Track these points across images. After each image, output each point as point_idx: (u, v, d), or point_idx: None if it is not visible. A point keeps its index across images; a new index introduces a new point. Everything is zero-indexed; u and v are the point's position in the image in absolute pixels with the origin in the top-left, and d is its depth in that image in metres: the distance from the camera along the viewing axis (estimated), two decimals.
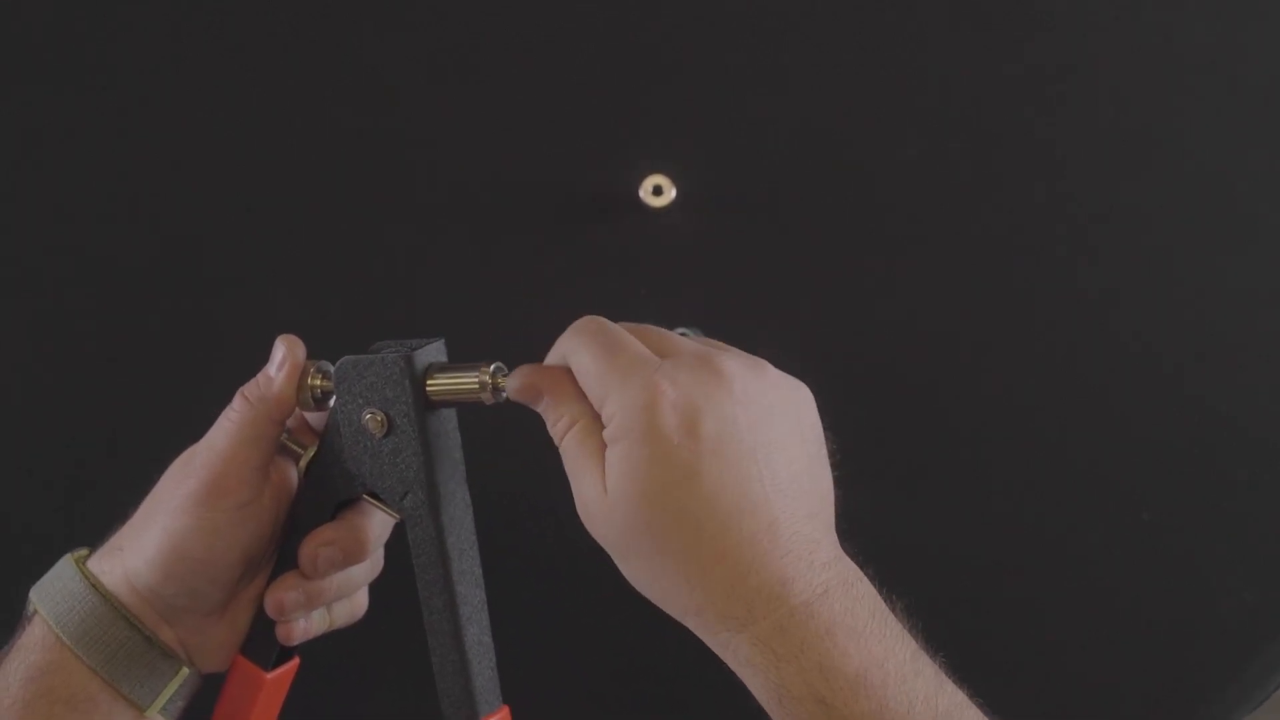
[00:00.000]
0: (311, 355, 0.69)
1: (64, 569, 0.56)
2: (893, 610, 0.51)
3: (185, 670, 0.55)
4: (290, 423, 0.57)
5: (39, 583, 0.56)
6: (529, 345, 0.68)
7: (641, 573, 0.51)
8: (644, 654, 0.67)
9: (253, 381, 0.56)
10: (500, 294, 0.70)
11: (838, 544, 0.52)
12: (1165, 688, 0.67)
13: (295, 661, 0.58)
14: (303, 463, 0.57)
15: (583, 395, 0.52)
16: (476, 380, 0.52)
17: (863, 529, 0.68)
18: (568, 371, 0.53)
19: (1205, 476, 0.68)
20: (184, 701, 0.56)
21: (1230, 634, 0.67)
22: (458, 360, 0.55)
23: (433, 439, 0.54)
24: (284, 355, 0.56)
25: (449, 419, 0.55)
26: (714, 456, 0.48)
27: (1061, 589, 0.67)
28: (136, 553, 0.55)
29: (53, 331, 0.71)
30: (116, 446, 0.70)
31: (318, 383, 0.55)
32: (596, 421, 0.51)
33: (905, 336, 0.69)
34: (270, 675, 0.57)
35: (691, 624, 0.50)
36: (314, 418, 0.58)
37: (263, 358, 0.69)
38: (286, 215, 0.71)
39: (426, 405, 0.53)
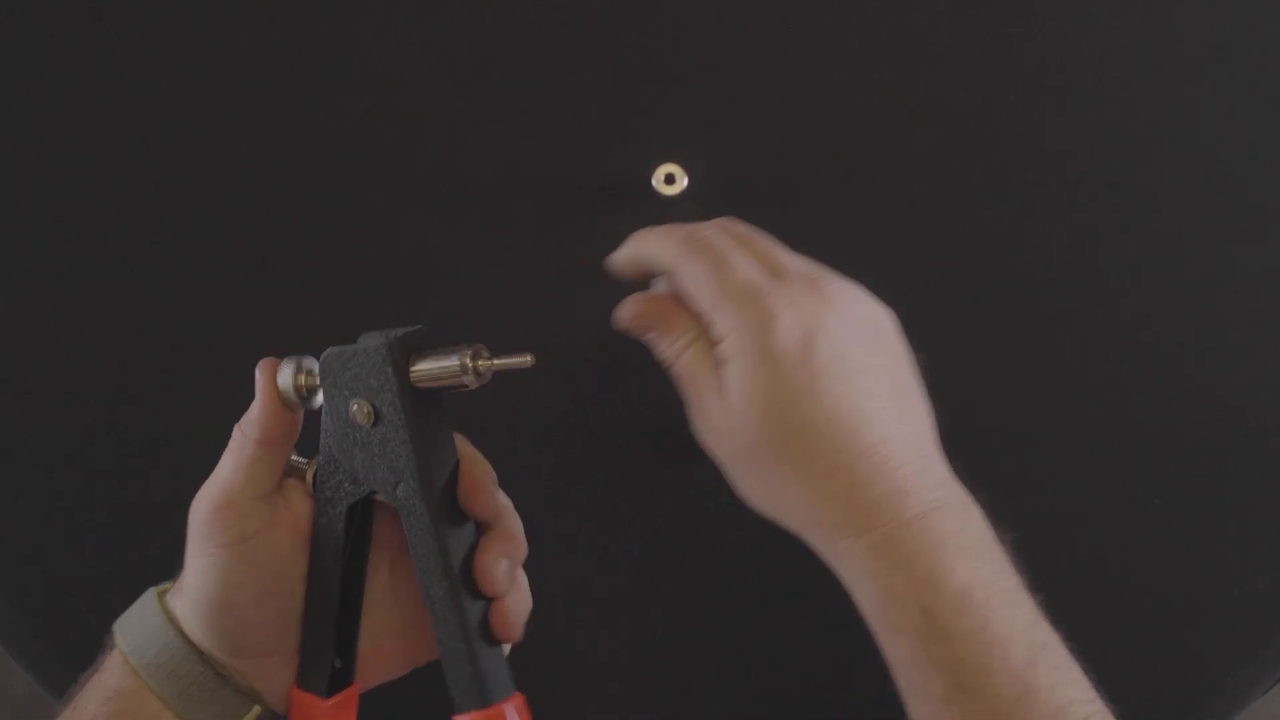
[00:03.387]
0: (316, 349, 0.69)
1: (146, 602, 0.56)
2: (1001, 544, 0.52)
3: (257, 709, 0.55)
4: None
5: (122, 617, 0.56)
6: (542, 333, 0.69)
7: (760, 486, 0.53)
8: (663, 643, 0.67)
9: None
10: (513, 283, 0.70)
11: (947, 466, 0.54)
12: (1177, 673, 0.67)
13: (354, 687, 0.57)
14: (309, 475, 0.56)
15: (690, 316, 0.54)
16: (458, 363, 0.52)
17: None
18: (672, 297, 0.55)
19: (1216, 463, 0.68)
20: None
21: (1241, 620, 0.67)
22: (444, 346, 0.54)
23: (420, 426, 0.53)
24: (259, 378, 0.55)
25: (437, 405, 0.54)
26: (830, 374, 0.51)
27: (1072, 574, 0.67)
28: (182, 594, 0.55)
29: (57, 330, 0.70)
30: (123, 445, 0.69)
31: (301, 380, 0.54)
32: (707, 339, 0.53)
33: (914, 326, 0.69)
34: (328, 703, 0.55)
35: (810, 534, 0.52)
36: None
37: (272, 352, 0.69)
38: (296, 207, 0.71)
39: (412, 392, 0.53)
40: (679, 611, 0.67)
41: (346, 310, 0.70)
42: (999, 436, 0.68)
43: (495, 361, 0.52)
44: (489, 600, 0.54)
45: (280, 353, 0.68)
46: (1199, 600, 0.67)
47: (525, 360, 0.52)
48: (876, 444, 0.51)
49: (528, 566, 0.65)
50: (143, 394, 0.69)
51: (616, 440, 0.68)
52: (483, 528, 0.55)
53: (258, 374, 0.55)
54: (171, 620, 0.54)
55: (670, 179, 0.68)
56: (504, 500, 0.56)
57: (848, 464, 0.51)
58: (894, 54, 0.71)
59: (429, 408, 0.54)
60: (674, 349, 0.55)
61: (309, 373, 0.55)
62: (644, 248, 0.57)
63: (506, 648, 0.55)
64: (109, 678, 0.54)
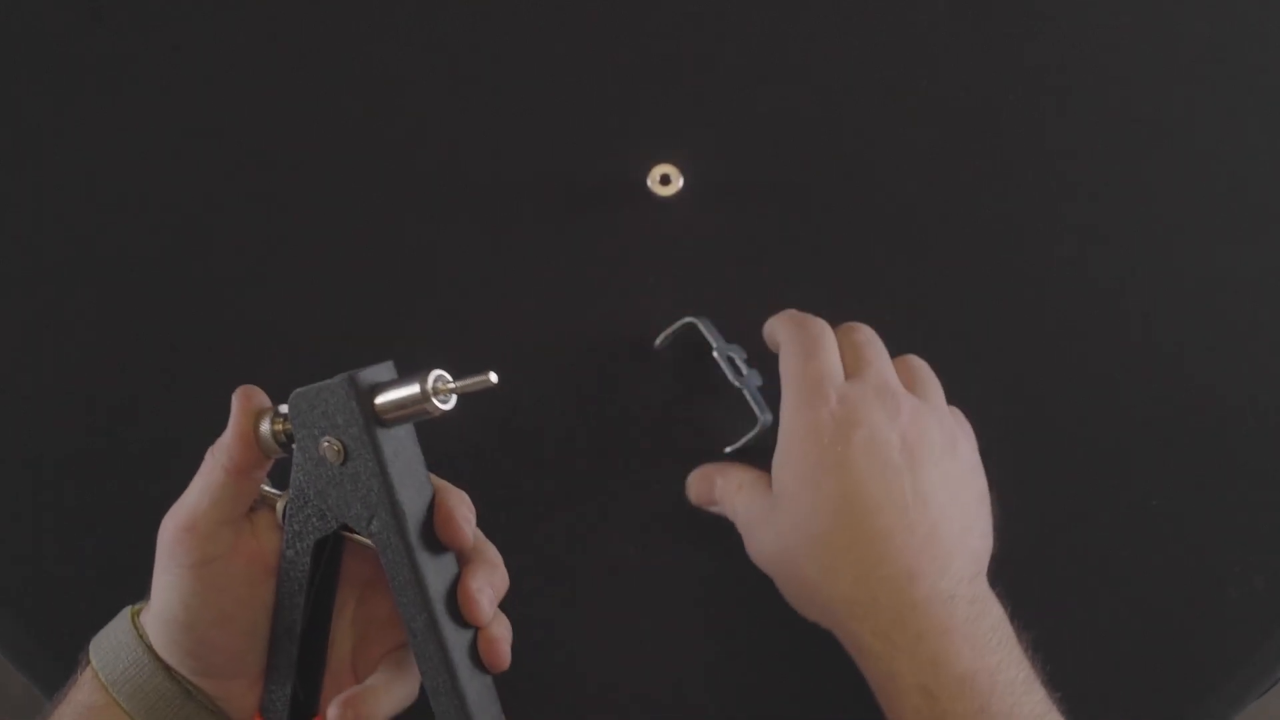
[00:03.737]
0: (317, 349, 0.69)
1: (119, 619, 0.57)
2: (1020, 642, 0.55)
3: None
4: None
5: (97, 635, 0.57)
6: (537, 335, 0.69)
7: (796, 578, 0.58)
8: (660, 650, 0.67)
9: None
10: (509, 284, 0.70)
11: (983, 576, 0.57)
12: (1174, 673, 0.67)
13: (318, 718, 0.57)
14: (279, 508, 0.56)
15: (744, 466, 0.62)
16: (419, 389, 0.51)
17: None
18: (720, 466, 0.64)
19: (1213, 464, 0.68)
20: None
21: (1239, 620, 0.67)
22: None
23: (390, 458, 0.53)
24: (234, 405, 0.55)
25: (406, 437, 0.54)
26: (863, 457, 0.55)
27: (1070, 575, 0.67)
28: (150, 612, 0.55)
29: (55, 331, 0.70)
30: (121, 447, 0.69)
31: (279, 427, 0.54)
32: (762, 482, 0.60)
33: (913, 326, 0.69)
34: None
35: (830, 621, 0.56)
36: None
37: (270, 357, 0.69)
38: (295, 207, 0.71)
39: (378, 424, 0.52)
40: (677, 616, 0.67)
41: (346, 310, 0.70)
42: (996, 436, 0.68)
43: (456, 384, 0.52)
44: (473, 631, 0.54)
45: (279, 355, 0.69)
46: (1196, 601, 0.67)
47: (487, 380, 0.51)
48: (894, 527, 0.54)
49: (532, 568, 0.65)
50: (141, 396, 0.70)
51: (616, 440, 0.68)
52: (462, 559, 0.55)
53: (233, 401, 0.55)
54: (141, 637, 0.55)
55: (665, 180, 0.68)
56: (480, 534, 0.57)
57: (862, 540, 0.54)
58: (892, 54, 0.71)
59: (398, 441, 0.53)
60: (733, 486, 0.61)
61: (286, 418, 0.54)
62: (774, 327, 0.63)
63: (488, 678, 0.55)
64: (80, 694, 0.55)
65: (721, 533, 0.65)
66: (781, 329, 0.62)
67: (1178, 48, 0.71)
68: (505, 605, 0.56)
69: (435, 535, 0.54)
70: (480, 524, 0.56)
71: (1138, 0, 0.72)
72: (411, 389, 0.51)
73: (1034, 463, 0.68)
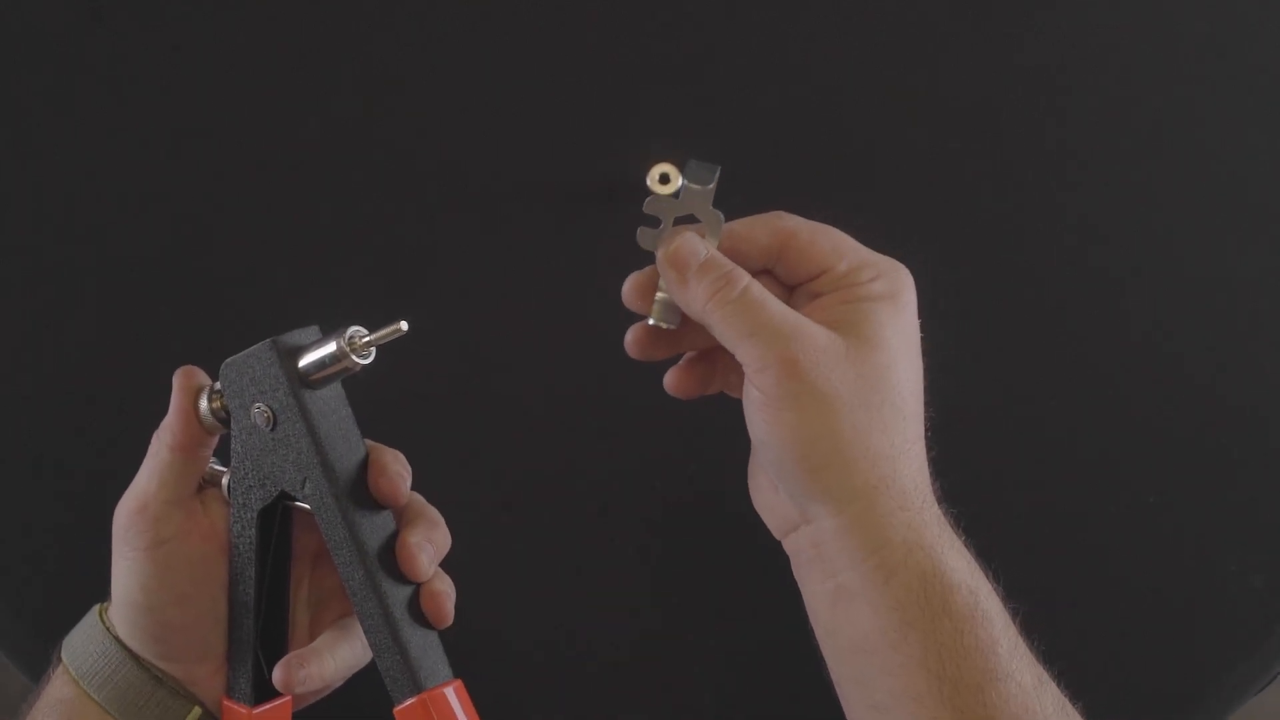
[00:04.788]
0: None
1: (89, 617, 0.57)
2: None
3: (198, 710, 0.56)
4: None
5: (71, 631, 0.58)
6: (536, 334, 0.69)
7: (854, 425, 0.50)
8: (661, 644, 0.67)
9: None
10: (507, 283, 0.70)
11: None
12: (1172, 671, 0.67)
13: (287, 700, 0.57)
14: (224, 483, 0.57)
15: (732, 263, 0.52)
16: (335, 345, 0.52)
17: None
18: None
19: (1212, 462, 0.68)
20: None
21: (1237, 618, 0.67)
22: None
23: (318, 419, 0.53)
24: (174, 385, 0.56)
25: (334, 398, 0.55)
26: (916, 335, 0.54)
27: (1066, 572, 0.67)
28: (113, 601, 0.56)
29: (56, 331, 0.70)
30: (122, 446, 0.69)
31: (217, 404, 0.55)
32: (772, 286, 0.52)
33: None
34: (257, 712, 0.56)
35: (840, 495, 0.50)
36: None
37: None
38: (295, 207, 0.71)
39: (305, 386, 0.53)
40: (678, 617, 0.67)
41: (345, 309, 0.69)
42: (994, 434, 0.68)
43: (371, 336, 0.53)
44: (414, 587, 0.54)
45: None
46: (1194, 599, 0.67)
47: (399, 328, 0.52)
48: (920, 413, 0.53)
49: (534, 568, 0.65)
50: (143, 395, 0.69)
51: (617, 440, 0.68)
52: (401, 519, 0.55)
53: (174, 381, 0.56)
54: (109, 630, 0.56)
55: (665, 179, 0.68)
56: (419, 496, 0.56)
57: (916, 415, 0.52)
58: (893, 53, 0.71)
59: (325, 402, 0.54)
60: (741, 283, 0.51)
61: (219, 393, 0.55)
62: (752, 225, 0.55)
63: (434, 633, 0.55)
64: (53, 690, 0.56)
65: (728, 532, 0.65)
66: (785, 221, 0.55)
67: (1178, 47, 0.71)
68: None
69: (370, 494, 0.54)
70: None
71: (1138, 0, 0.72)
72: (329, 347, 0.52)
73: (1032, 460, 0.68)
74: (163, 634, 0.55)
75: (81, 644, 0.56)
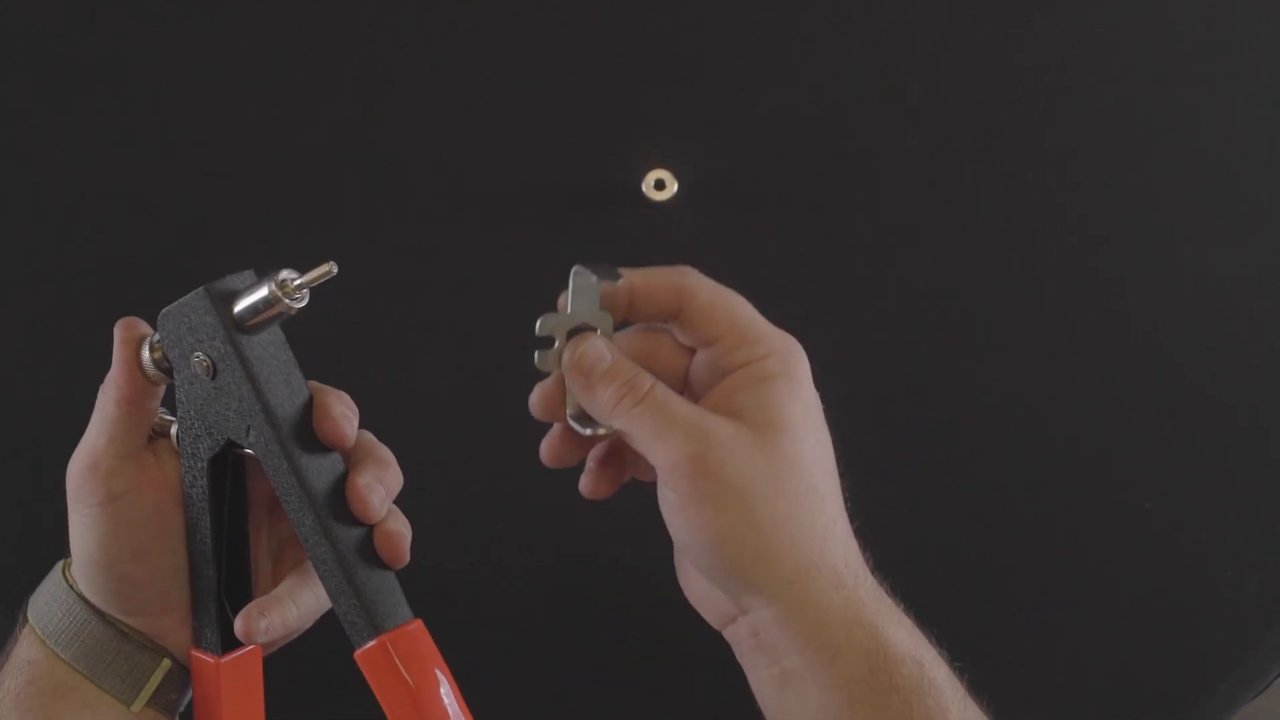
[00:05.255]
0: (316, 348, 0.69)
1: (52, 575, 0.57)
2: None
3: (167, 662, 0.55)
4: None
5: (34, 591, 0.57)
6: (532, 338, 0.69)
7: (774, 514, 0.50)
8: (658, 649, 0.67)
9: None
10: (503, 288, 0.70)
11: None
12: (1168, 675, 0.67)
13: (256, 648, 0.56)
14: (173, 434, 0.56)
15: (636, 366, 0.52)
16: (268, 289, 0.51)
17: (867, 519, 0.68)
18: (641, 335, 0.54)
19: (1207, 466, 0.68)
20: (177, 695, 0.56)
21: (1233, 622, 0.67)
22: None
23: (257, 365, 0.52)
24: (116, 337, 0.55)
25: (273, 343, 0.54)
26: (818, 408, 0.52)
27: (1064, 577, 0.67)
28: (73, 558, 0.55)
29: (57, 332, 0.71)
30: None
31: (158, 355, 0.54)
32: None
33: (909, 328, 0.69)
34: (225, 660, 0.55)
35: (771, 582, 0.50)
36: None
37: None
38: (293, 207, 0.71)
39: (242, 331, 0.52)
40: (680, 619, 0.68)
41: (344, 310, 0.70)
42: (991, 438, 0.68)
43: (302, 278, 0.52)
44: (366, 529, 0.53)
45: None
46: (1191, 603, 0.67)
47: (329, 270, 0.51)
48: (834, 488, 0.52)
49: (535, 570, 0.65)
50: None
51: None
52: (350, 460, 0.54)
53: (115, 332, 0.55)
54: (72, 587, 0.55)
55: (660, 184, 0.68)
56: (369, 436, 0.55)
57: (834, 490, 0.52)
58: (890, 55, 0.71)
59: (264, 348, 0.53)
60: (644, 387, 0.51)
61: (160, 343, 0.54)
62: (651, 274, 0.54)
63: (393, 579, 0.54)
64: (20, 650, 0.55)
65: None
66: (682, 278, 0.54)
67: (1177, 48, 0.71)
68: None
69: (315, 438, 0.53)
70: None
71: (1138, 0, 0.71)
72: (262, 291, 0.52)
73: (1030, 463, 0.68)
74: (124, 589, 0.54)
75: (46, 604, 0.55)
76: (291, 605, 0.55)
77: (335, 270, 0.51)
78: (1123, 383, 0.69)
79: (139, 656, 0.55)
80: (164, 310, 0.54)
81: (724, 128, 0.70)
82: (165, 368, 0.54)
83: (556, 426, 0.54)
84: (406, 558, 0.53)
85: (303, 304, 0.52)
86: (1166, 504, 0.68)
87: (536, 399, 0.53)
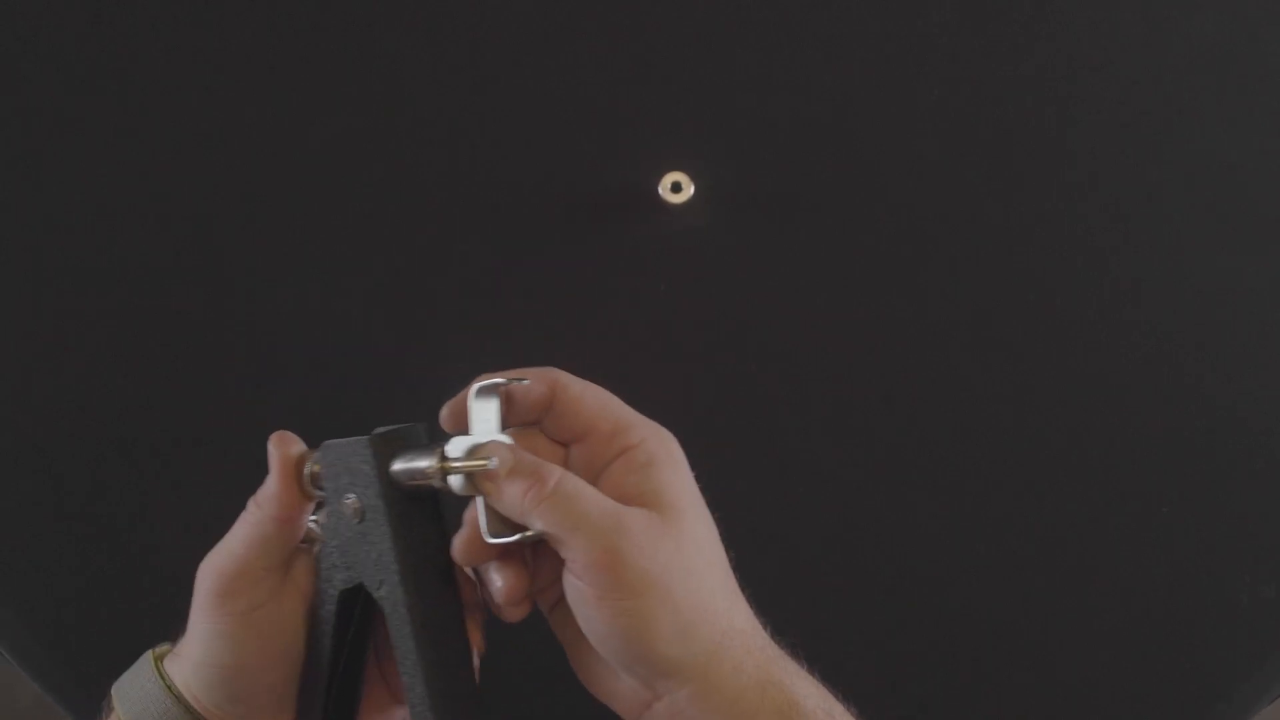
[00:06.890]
0: (326, 355, 0.69)
1: (142, 666, 0.56)
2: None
3: None
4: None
5: (120, 679, 0.56)
6: (548, 342, 0.68)
7: (687, 592, 0.51)
8: None
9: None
10: (520, 292, 0.69)
11: None
12: (1184, 682, 0.67)
13: None
14: (316, 551, 0.56)
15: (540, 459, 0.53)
16: (428, 462, 0.50)
17: (882, 524, 0.68)
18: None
19: (1223, 472, 0.68)
20: None
21: (1249, 629, 0.67)
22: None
23: (404, 526, 0.52)
24: (271, 455, 0.54)
25: (429, 508, 0.53)
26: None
27: (1080, 582, 0.67)
28: (186, 658, 0.55)
29: (64, 338, 0.70)
30: (131, 455, 0.69)
31: (317, 469, 0.54)
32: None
33: (922, 332, 0.69)
34: None
35: (693, 660, 0.51)
36: None
37: (279, 361, 0.69)
38: (299, 213, 0.70)
39: (394, 490, 0.52)
40: None
41: (355, 318, 0.69)
42: (1004, 445, 0.68)
43: (460, 464, 0.51)
44: (471, 703, 0.54)
45: (288, 360, 0.69)
46: (1207, 609, 0.67)
47: (486, 464, 0.50)
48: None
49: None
50: (150, 400, 0.69)
51: None
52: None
53: (271, 449, 0.54)
54: (169, 688, 0.55)
55: (677, 187, 0.67)
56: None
57: (735, 583, 0.53)
58: (902, 60, 0.71)
59: (415, 506, 0.53)
60: (552, 479, 0.51)
61: (316, 465, 0.54)
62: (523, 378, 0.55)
63: None
64: None
65: (740, 535, 0.65)
66: (547, 372, 0.55)
67: (1187, 52, 0.70)
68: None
69: (447, 613, 0.53)
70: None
71: (1146, 5, 0.71)
72: (423, 462, 0.51)
73: (1044, 470, 0.68)
74: (246, 694, 0.54)
75: (140, 700, 0.55)
76: None
77: (494, 464, 0.50)
78: (1139, 390, 0.68)
79: None
80: (327, 442, 0.53)
81: (741, 130, 0.70)
82: (321, 488, 0.54)
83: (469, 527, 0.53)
84: None
85: (458, 488, 0.51)
86: (1183, 510, 0.68)
87: (460, 544, 0.53)
